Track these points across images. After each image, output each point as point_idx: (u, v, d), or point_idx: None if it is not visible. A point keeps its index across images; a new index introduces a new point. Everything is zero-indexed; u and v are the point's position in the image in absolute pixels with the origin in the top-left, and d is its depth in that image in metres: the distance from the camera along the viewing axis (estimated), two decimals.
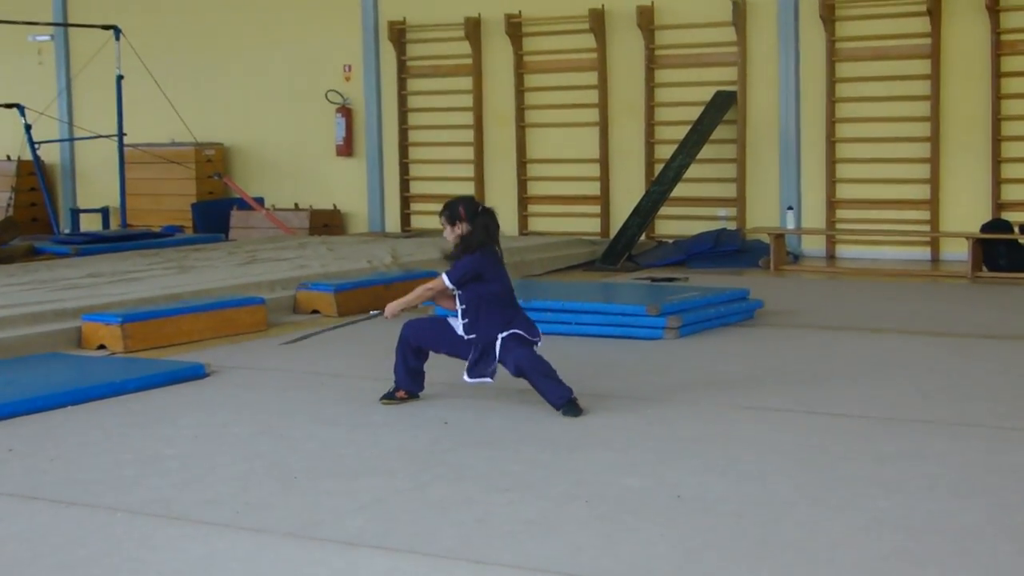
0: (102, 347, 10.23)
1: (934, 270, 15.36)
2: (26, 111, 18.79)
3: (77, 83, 21.19)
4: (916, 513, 5.63)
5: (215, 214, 19.48)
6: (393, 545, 5.28)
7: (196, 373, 8.99)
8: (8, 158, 21.19)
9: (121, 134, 19.04)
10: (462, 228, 7.88)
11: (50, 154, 21.26)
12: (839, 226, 16.61)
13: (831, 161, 16.62)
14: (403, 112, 19.23)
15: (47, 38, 21.87)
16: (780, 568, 4.95)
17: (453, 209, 7.93)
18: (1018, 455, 6.61)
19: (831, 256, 16.60)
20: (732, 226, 16.83)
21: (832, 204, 16.66)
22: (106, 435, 7.37)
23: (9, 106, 18.80)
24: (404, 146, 19.21)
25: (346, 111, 19.56)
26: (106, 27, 19.02)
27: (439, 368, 8.30)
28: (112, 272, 13.38)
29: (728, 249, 15.90)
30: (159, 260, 14.57)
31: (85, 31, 20.01)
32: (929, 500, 5.82)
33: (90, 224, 20.50)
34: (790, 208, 16.70)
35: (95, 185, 21.52)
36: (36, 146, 19.22)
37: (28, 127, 18.92)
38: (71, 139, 21.24)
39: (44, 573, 5.06)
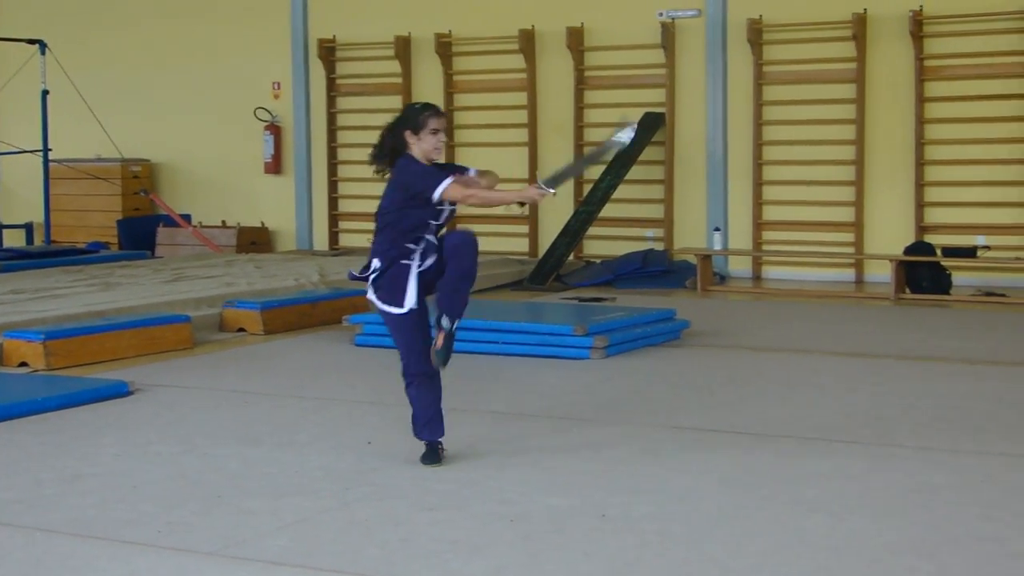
0: (24, 364, 10.12)
1: (858, 291, 15.47)
2: None
3: (2, 97, 20.97)
4: (838, 532, 5.67)
5: (141, 231, 19.33)
6: (317, 564, 5.25)
7: (119, 391, 8.89)
8: None
9: (46, 149, 18.86)
10: None
11: None
12: (765, 247, 16.74)
13: (758, 183, 16.74)
14: (332, 130, 19.19)
15: None
16: None
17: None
18: (939, 475, 6.67)
19: (757, 277, 16.72)
20: (659, 247, 16.91)
21: (759, 225, 16.78)
22: (26, 454, 7.28)
23: None
24: (333, 164, 19.18)
25: (275, 128, 19.49)
26: (31, 41, 18.85)
27: (362, 382, 8.26)
28: (35, 288, 13.23)
29: (655, 270, 15.97)
30: (83, 277, 14.42)
31: (10, 45, 19.81)
32: (851, 519, 5.86)
33: (13, 240, 20.28)
34: (717, 229, 16.80)
35: (19, 200, 21.32)
36: None
37: None
38: None
39: None
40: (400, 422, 7.77)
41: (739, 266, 16.86)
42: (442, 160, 6.96)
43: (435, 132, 6.80)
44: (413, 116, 6.91)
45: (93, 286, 13.52)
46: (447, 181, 6.69)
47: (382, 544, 5.52)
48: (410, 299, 6.83)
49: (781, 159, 16.67)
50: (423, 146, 6.84)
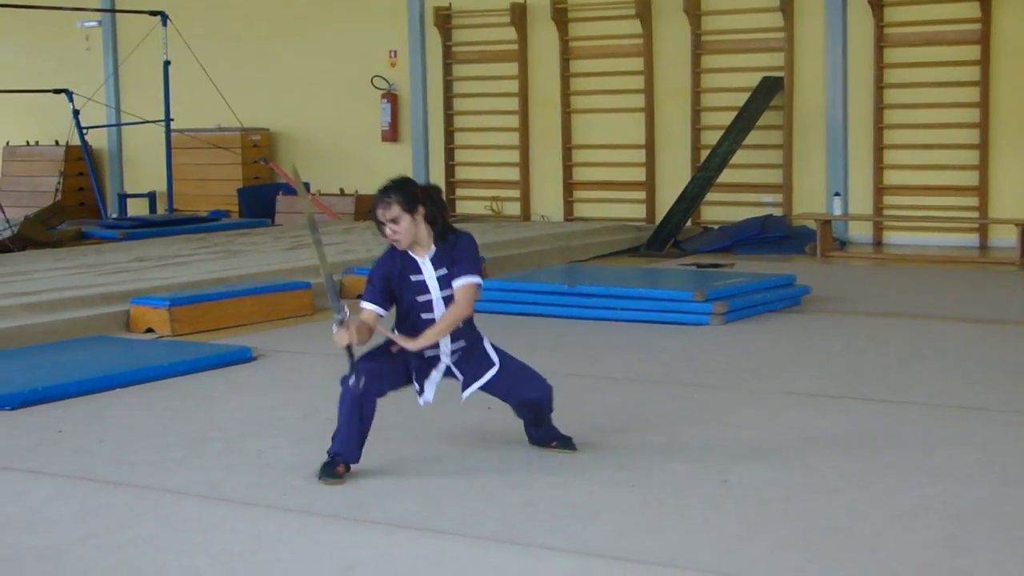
0: (150, 330, 10.30)
1: (982, 257, 15.25)
2: (74, 96, 18.89)
3: (124, 69, 21.30)
4: (963, 500, 5.61)
5: (261, 199, 19.54)
6: (439, 527, 5.30)
7: (243, 357, 9.02)
8: (56, 143, 21.34)
9: (168, 119, 19.13)
10: (425, 211, 6.11)
11: (98, 139, 21.39)
12: (886, 212, 16.52)
13: (878, 147, 16.51)
14: (448, 98, 19.22)
15: (95, 24, 21.98)
16: (826, 553, 4.95)
17: (407, 191, 6.08)
18: None
19: (878, 243, 16.50)
20: (778, 212, 16.76)
21: (879, 190, 16.56)
22: (154, 418, 7.42)
23: (58, 92, 18.90)
24: (449, 132, 19.22)
25: (391, 97, 19.57)
26: (153, 13, 19.11)
27: None
28: (159, 256, 13.46)
29: (774, 235, 15.84)
30: (205, 244, 14.65)
31: (132, 17, 20.12)
32: (976, 487, 5.79)
33: (137, 209, 20.61)
34: (837, 194, 16.61)
35: (142, 170, 21.64)
36: (84, 131, 19.33)
37: (76, 112, 19.02)
38: (119, 124, 21.35)
39: (92, 554, 5.09)
40: None
41: (859, 231, 16.65)
42: (400, 247, 6.12)
43: (381, 225, 6.11)
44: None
45: (215, 254, 13.73)
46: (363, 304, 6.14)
47: (503, 508, 5.55)
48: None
49: (902, 123, 16.42)
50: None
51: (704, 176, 16.50)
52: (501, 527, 5.29)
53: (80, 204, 20.69)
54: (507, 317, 10.34)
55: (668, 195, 17.05)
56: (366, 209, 19.03)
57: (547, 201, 18.48)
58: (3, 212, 15.97)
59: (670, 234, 15.95)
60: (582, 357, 9.04)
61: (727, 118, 16.80)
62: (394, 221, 6.02)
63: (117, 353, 9.16)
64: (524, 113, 18.51)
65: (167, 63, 18.86)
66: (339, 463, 6.04)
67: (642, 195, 17.93)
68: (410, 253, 6.13)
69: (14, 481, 6.15)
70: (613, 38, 18.05)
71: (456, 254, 6.15)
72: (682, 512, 5.48)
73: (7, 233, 15.22)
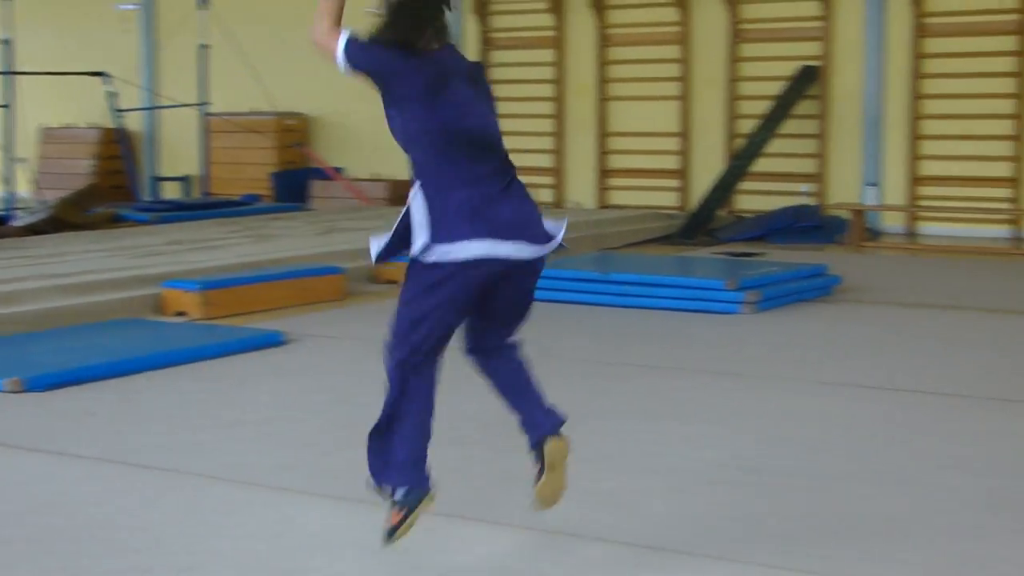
0: (181, 313, 10.31)
1: (1017, 248, 15.21)
2: (111, 79, 18.96)
3: (161, 52, 21.37)
4: (984, 491, 5.59)
5: (295, 183, 19.60)
6: (469, 514, 5.29)
7: (274, 341, 9.04)
8: (91, 126, 21.43)
9: (204, 103, 19.19)
10: None
11: (133, 122, 21.45)
12: (921, 203, 16.46)
13: (914, 137, 16.46)
14: None
15: (133, 7, 22.06)
16: (855, 541, 4.93)
17: None
18: None
19: (912, 233, 16.47)
20: (812, 202, 16.72)
21: (914, 180, 16.51)
22: (184, 400, 7.44)
23: (94, 74, 18.99)
24: None
25: None
26: None
27: None
28: (192, 239, 13.50)
29: (807, 225, 15.82)
30: (238, 228, 14.68)
31: (171, 0, 20.17)
32: (1000, 479, 5.79)
33: (171, 192, 20.72)
34: (871, 184, 16.56)
35: (177, 153, 21.73)
36: (120, 114, 19.41)
37: (112, 95, 19.10)
38: (154, 107, 21.43)
39: (120, 535, 5.11)
40: (553, 376, 7.81)
41: (893, 222, 16.62)
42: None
43: None
44: None
45: (248, 237, 13.76)
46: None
47: (530, 495, 5.53)
48: None
49: (939, 113, 16.37)
50: None
51: (738, 164, 16.50)
52: (528, 513, 5.24)
53: (115, 187, 20.76)
54: (539, 304, 10.30)
55: (702, 183, 17.05)
56: (399, 194, 19.06)
57: (581, 188, 18.47)
58: (39, 193, 16.04)
59: (703, 222, 15.96)
60: (614, 344, 9.02)
61: (763, 107, 16.77)
62: None
63: (148, 336, 9.18)
64: (560, 100, 18.52)
65: (203, 46, 18.91)
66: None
67: (676, 183, 17.92)
68: None
69: (44, 462, 6.17)
70: (651, 25, 18.04)
71: None
72: (712, 499, 5.48)
73: (42, 215, 15.29)
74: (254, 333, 9.23)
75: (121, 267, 11.34)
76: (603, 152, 18.39)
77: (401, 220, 4.68)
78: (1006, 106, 15.94)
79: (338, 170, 19.57)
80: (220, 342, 8.82)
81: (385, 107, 4.72)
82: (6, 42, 17.96)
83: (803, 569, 4.66)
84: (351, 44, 4.82)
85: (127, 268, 11.27)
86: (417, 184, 4.65)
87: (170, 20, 20.61)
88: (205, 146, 19.48)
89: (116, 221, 16.04)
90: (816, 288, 11.24)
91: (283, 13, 20.70)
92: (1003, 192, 16.02)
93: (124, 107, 19.61)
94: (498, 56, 19.17)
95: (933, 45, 16.36)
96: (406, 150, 4.71)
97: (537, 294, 4.99)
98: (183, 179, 20.79)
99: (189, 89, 19.71)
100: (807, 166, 17.09)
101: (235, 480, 5.82)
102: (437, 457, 4.88)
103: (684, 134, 17.83)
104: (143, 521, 5.27)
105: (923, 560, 4.76)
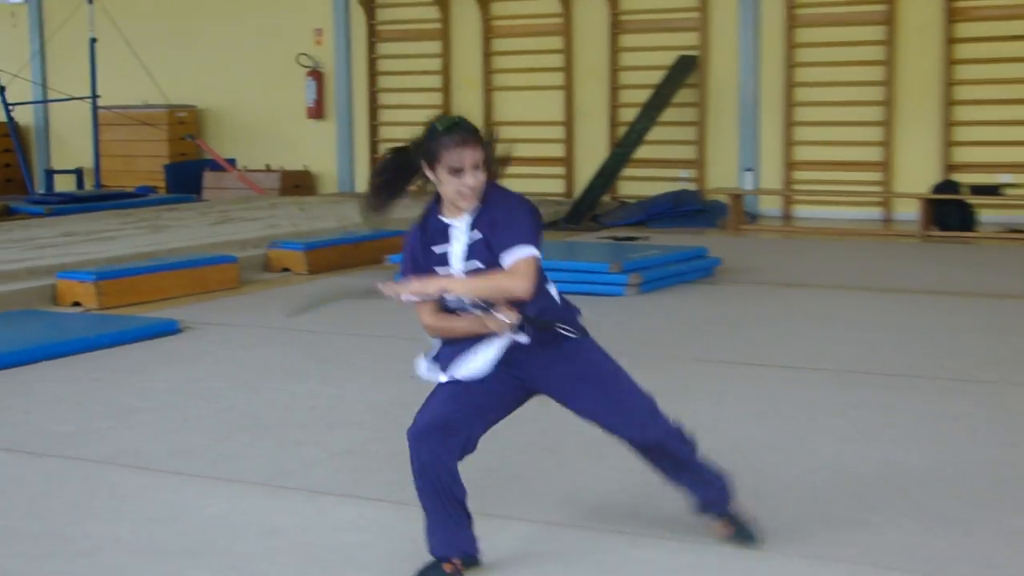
0: (77, 304, 10.30)
1: (886, 229, 15.65)
2: (0, 73, 18.92)
3: (51, 46, 21.33)
4: (869, 460, 5.78)
5: (188, 175, 19.65)
6: (362, 494, 5.36)
7: (170, 329, 9.07)
8: None
9: (95, 96, 19.22)
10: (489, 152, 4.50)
11: (24, 116, 21.39)
12: (796, 187, 16.95)
13: (789, 124, 16.94)
14: (373, 75, 19.45)
15: (21, 1, 21.99)
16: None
17: (479, 130, 4.46)
18: (961, 405, 6.82)
19: (787, 216, 16.93)
20: (692, 187, 17.14)
21: (789, 165, 16.99)
22: (80, 389, 7.41)
23: None
24: (374, 108, 19.46)
25: (317, 74, 19.77)
26: None
27: (403, 319, 8.27)
28: (86, 231, 13.49)
29: (688, 209, 16.19)
30: (132, 220, 14.69)
31: None
32: (880, 448, 6.00)
33: (64, 185, 20.61)
34: (748, 169, 17.02)
35: (69, 146, 21.67)
36: (10, 108, 19.38)
37: (2, 89, 19.07)
38: (45, 101, 21.37)
39: (18, 522, 5.14)
40: None
41: (770, 205, 17.07)
42: (469, 205, 4.44)
43: (456, 172, 4.35)
44: (428, 140, 4.41)
45: (142, 228, 13.81)
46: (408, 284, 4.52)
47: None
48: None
49: (812, 100, 16.84)
50: (444, 190, 4.44)
51: (621, 152, 16.82)
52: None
53: (7, 180, 20.73)
54: None
55: (586, 171, 17.37)
56: (291, 184, 19.29)
57: None
58: None
59: (588, 208, 16.28)
60: None
61: (644, 96, 17.11)
62: (477, 167, 4.37)
63: (43, 326, 9.16)
64: (446, 90, 18.79)
65: (93, 40, 18.94)
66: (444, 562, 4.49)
67: (562, 170, 18.26)
68: (441, 217, 4.52)
69: None
70: (534, 17, 18.34)
71: (499, 215, 4.43)
72: (597, 474, 5.59)
73: None
74: (150, 322, 9.22)
75: (15, 259, 11.31)
76: None
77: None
78: (876, 93, 16.43)
79: (230, 161, 19.70)
80: (116, 331, 8.79)
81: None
82: None
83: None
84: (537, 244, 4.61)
85: (21, 260, 11.24)
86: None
87: (59, 14, 20.59)
88: (97, 139, 19.50)
89: (9, 214, 16.02)
90: (697, 270, 11.54)
91: (171, 7, 20.78)
92: (873, 176, 16.52)
93: (14, 101, 19.58)
94: (385, 48, 19.39)
95: (805, 35, 16.83)
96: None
97: None
98: (76, 172, 20.74)
99: (80, 83, 19.70)
100: (687, 152, 17.50)
101: (132, 466, 5.83)
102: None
103: (568, 123, 18.18)
104: (41, 508, 5.28)
105: (802, 526, 4.94)
